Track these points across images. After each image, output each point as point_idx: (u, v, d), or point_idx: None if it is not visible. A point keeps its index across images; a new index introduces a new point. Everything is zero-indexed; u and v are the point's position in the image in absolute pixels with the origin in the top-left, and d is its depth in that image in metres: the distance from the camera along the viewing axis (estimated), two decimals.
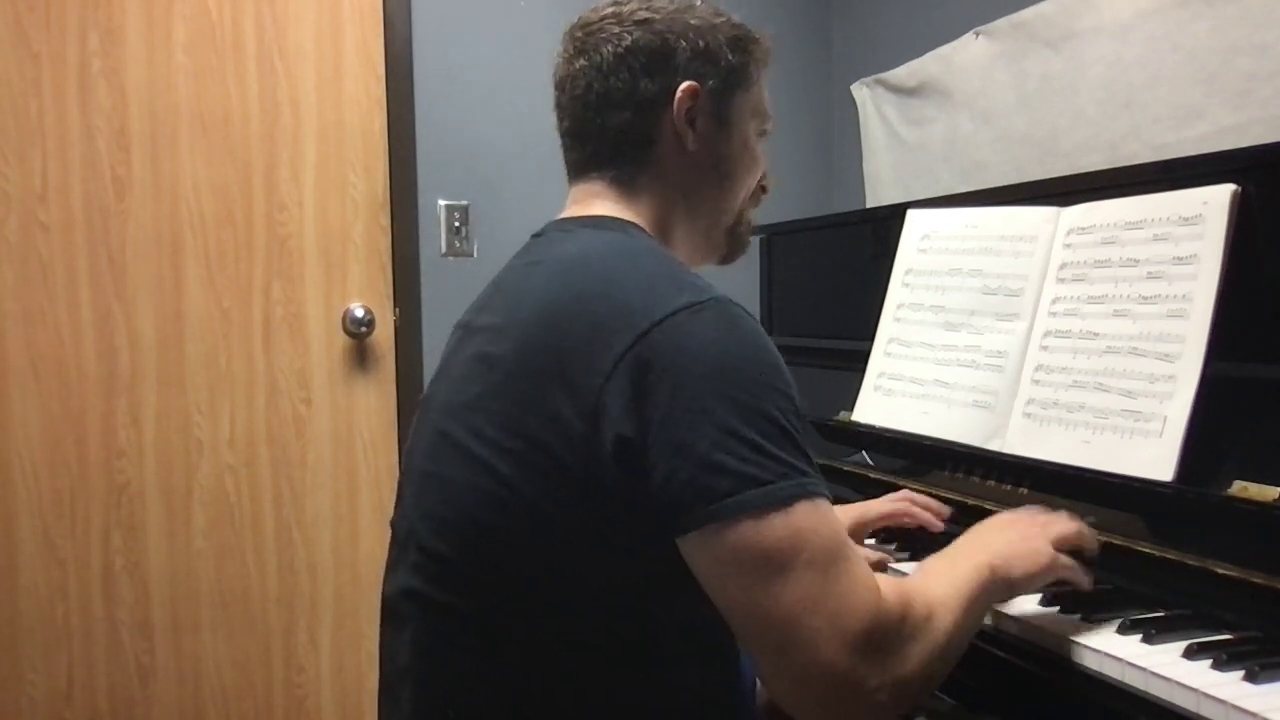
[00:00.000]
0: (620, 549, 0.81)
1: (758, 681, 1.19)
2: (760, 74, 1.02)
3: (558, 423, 0.79)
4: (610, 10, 0.97)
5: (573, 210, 1.00)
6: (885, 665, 0.75)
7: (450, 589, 0.87)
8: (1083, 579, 0.96)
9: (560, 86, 1.00)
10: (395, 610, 0.94)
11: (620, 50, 0.94)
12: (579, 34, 0.98)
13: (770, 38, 1.04)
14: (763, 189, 1.07)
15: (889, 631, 0.76)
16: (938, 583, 0.84)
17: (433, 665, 0.88)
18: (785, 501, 0.75)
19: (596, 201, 0.98)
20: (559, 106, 1.01)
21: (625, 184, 0.97)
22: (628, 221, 0.95)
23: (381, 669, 1.00)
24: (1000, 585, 0.88)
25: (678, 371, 0.76)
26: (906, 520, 1.25)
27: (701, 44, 0.96)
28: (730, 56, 0.97)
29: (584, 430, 0.78)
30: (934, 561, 0.91)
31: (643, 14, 0.95)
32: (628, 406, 0.76)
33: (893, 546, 1.24)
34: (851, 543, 0.79)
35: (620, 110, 0.95)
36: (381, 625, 0.99)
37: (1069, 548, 0.97)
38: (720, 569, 0.76)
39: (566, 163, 1.02)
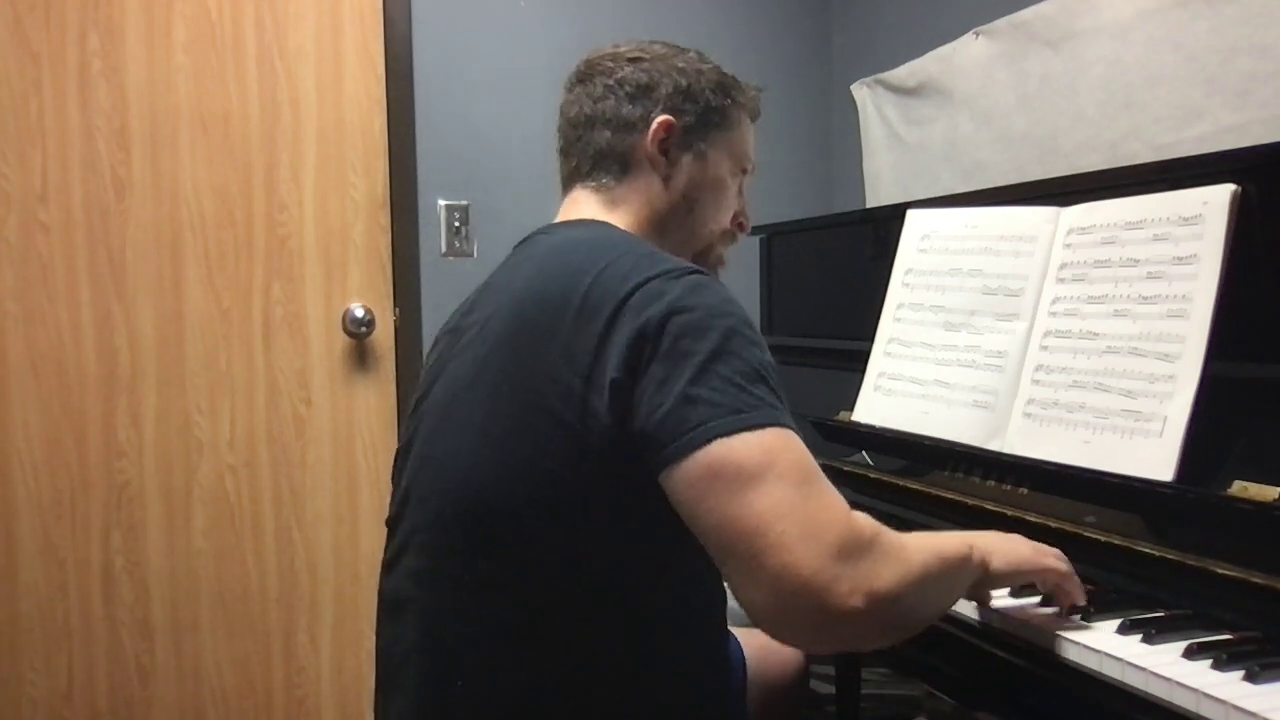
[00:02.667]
0: (618, 508, 0.86)
1: (745, 669, 1.20)
2: (743, 119, 1.11)
3: (557, 383, 0.85)
4: (610, 50, 1.09)
5: (559, 218, 1.08)
6: (857, 571, 0.74)
7: (455, 559, 0.90)
8: (1075, 589, 0.95)
9: (560, 113, 1.11)
10: (396, 601, 0.97)
11: (610, 82, 1.06)
12: (581, 68, 1.10)
13: (760, 93, 1.13)
14: (739, 226, 1.13)
15: (861, 543, 0.76)
16: (913, 535, 0.86)
17: (440, 638, 0.91)
18: (756, 425, 0.79)
19: (581, 208, 1.06)
20: (558, 131, 1.11)
21: (606, 194, 1.06)
22: (610, 223, 1.03)
23: (379, 667, 1.00)
24: (977, 565, 0.90)
25: (663, 322, 0.82)
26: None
27: (684, 83, 1.06)
28: (711, 97, 1.07)
29: (581, 388, 0.84)
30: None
31: (636, 54, 1.07)
32: (620, 356, 0.82)
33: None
34: (821, 472, 0.80)
35: (602, 129, 1.05)
36: (380, 623, 1.00)
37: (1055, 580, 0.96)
38: (695, 490, 0.78)
39: (560, 179, 1.11)
